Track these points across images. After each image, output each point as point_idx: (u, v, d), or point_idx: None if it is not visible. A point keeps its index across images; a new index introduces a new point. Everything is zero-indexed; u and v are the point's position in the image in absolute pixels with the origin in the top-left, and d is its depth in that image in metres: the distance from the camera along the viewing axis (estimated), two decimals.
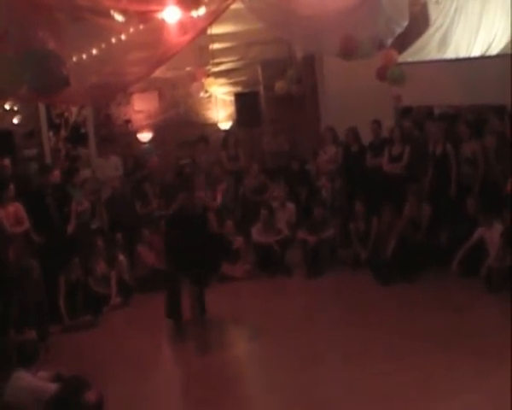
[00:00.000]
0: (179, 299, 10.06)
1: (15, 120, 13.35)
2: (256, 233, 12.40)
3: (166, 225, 10.64)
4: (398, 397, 7.26)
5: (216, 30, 13.38)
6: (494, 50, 13.10)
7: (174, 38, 9.05)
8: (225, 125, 15.64)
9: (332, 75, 14.65)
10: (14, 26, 7.61)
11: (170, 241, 10.03)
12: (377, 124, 12.63)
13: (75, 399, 6.57)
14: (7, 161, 11.47)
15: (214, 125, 15.66)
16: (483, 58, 12.94)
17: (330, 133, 13.35)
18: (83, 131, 14.60)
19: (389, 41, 11.34)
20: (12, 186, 10.66)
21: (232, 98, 15.68)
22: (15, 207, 10.65)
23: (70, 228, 11.34)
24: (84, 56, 8.90)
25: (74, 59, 8.80)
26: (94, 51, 8.93)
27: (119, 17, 8.74)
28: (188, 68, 15.07)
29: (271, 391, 7.91)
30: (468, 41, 13.35)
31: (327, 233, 12.10)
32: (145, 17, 8.90)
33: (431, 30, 13.50)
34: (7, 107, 12.47)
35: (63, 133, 14.34)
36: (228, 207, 13.63)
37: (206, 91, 15.48)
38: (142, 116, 15.20)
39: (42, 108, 13.90)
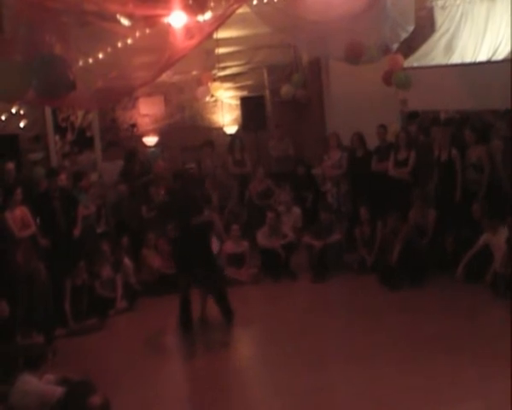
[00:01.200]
0: (190, 307, 10.10)
1: (22, 124, 13.37)
2: (262, 237, 12.40)
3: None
4: (402, 402, 7.24)
5: (222, 34, 13.36)
6: (500, 55, 13.10)
7: (180, 42, 9.06)
8: (231, 129, 15.65)
9: (338, 80, 14.67)
10: (21, 30, 7.63)
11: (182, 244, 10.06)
12: (383, 128, 12.62)
13: (81, 403, 6.59)
14: (11, 165, 11.49)
15: (220, 130, 15.67)
16: (489, 63, 12.94)
17: (335, 138, 13.35)
18: (88, 135, 14.63)
19: (395, 46, 11.37)
20: (19, 190, 10.69)
21: (238, 102, 15.69)
22: (22, 212, 10.67)
23: (76, 232, 11.36)
24: (91, 60, 8.92)
25: (81, 63, 8.83)
26: (100, 55, 8.96)
27: (125, 21, 8.77)
28: (194, 72, 15.09)
29: (276, 395, 7.90)
30: (474, 46, 13.36)
31: (333, 238, 12.10)
32: (151, 21, 8.92)
33: (437, 35, 13.51)
34: (13, 111, 12.48)
35: (69, 137, 14.37)
36: (234, 212, 13.63)
37: (212, 95, 15.49)
38: (147, 120, 15.22)
39: (48, 112, 13.94)
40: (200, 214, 9.99)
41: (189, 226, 9.85)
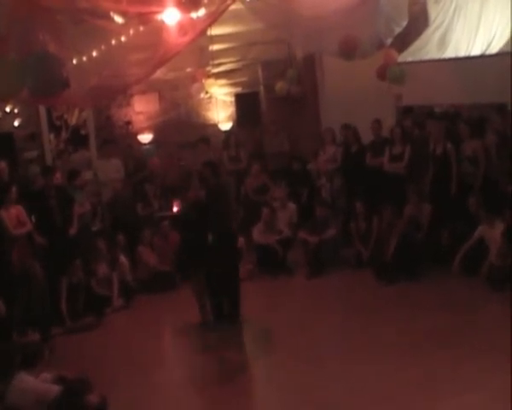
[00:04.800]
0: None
1: (16, 123, 13.35)
2: (257, 233, 12.40)
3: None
4: (400, 397, 7.25)
5: (216, 31, 13.37)
6: (494, 49, 13.08)
7: (174, 39, 9.07)
8: (226, 125, 15.64)
9: (332, 75, 14.67)
10: (15, 29, 7.63)
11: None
12: (378, 123, 12.63)
13: (78, 401, 6.59)
14: (3, 164, 11.42)
15: (215, 126, 15.65)
16: (483, 57, 12.92)
17: (330, 133, 13.36)
18: (83, 132, 14.60)
19: (389, 40, 11.36)
20: (14, 188, 10.69)
21: (232, 99, 15.67)
22: (17, 210, 10.68)
23: (72, 230, 11.35)
24: (85, 58, 8.93)
25: (74, 61, 8.83)
26: (94, 53, 8.97)
27: (118, 19, 8.78)
28: (188, 69, 15.08)
29: (273, 391, 7.93)
30: (468, 40, 13.33)
31: (328, 233, 12.10)
32: (145, 19, 8.93)
33: (430, 29, 13.47)
34: (7, 109, 12.46)
35: (64, 135, 14.34)
36: None
37: (207, 92, 15.48)
38: (142, 118, 15.20)
39: (42, 110, 13.90)
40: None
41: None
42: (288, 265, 12.24)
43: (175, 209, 13.05)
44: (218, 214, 9.83)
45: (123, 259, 11.84)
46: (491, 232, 10.14)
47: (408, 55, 13.15)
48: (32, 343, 8.63)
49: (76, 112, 14.41)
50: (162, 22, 8.91)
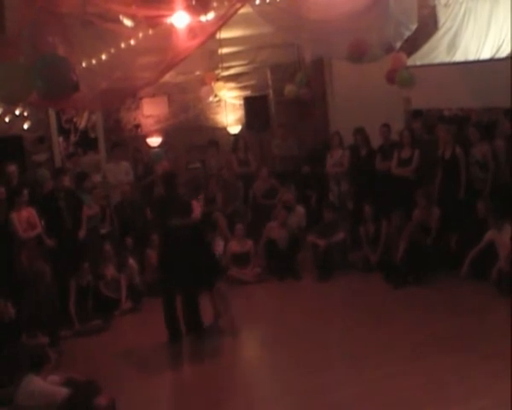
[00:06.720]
0: (175, 311, 9.89)
1: (25, 126, 13.39)
2: (270, 229, 12.48)
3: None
4: (408, 401, 7.23)
5: (225, 34, 13.39)
6: (503, 53, 13.06)
7: (183, 42, 9.07)
8: (234, 129, 15.65)
9: (341, 79, 14.69)
10: (25, 32, 7.64)
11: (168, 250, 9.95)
12: (387, 128, 12.62)
13: (86, 403, 6.60)
14: (13, 168, 11.47)
15: (223, 130, 15.67)
16: (492, 61, 12.90)
17: (337, 137, 13.35)
18: (92, 136, 14.64)
19: (398, 44, 11.35)
20: (26, 191, 10.74)
21: (241, 102, 15.71)
22: (28, 213, 10.73)
23: (82, 233, 11.38)
24: (94, 62, 8.94)
25: (84, 64, 8.85)
26: (103, 56, 8.98)
27: (128, 22, 8.79)
28: (197, 73, 15.12)
29: (281, 394, 7.91)
30: (478, 44, 13.31)
31: (337, 237, 12.09)
32: (154, 22, 8.93)
33: (440, 33, 13.47)
34: (17, 112, 12.50)
35: (73, 138, 14.38)
36: (238, 211, 13.62)
37: (216, 95, 15.50)
38: (151, 121, 15.22)
39: (52, 113, 13.95)
40: (184, 217, 9.63)
41: (172, 229, 9.67)
42: (297, 268, 12.23)
43: None
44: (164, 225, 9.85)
45: (131, 262, 11.85)
46: (500, 237, 10.12)
47: (417, 59, 13.13)
48: (38, 346, 8.64)
49: (85, 115, 14.45)
50: (171, 26, 8.91)
